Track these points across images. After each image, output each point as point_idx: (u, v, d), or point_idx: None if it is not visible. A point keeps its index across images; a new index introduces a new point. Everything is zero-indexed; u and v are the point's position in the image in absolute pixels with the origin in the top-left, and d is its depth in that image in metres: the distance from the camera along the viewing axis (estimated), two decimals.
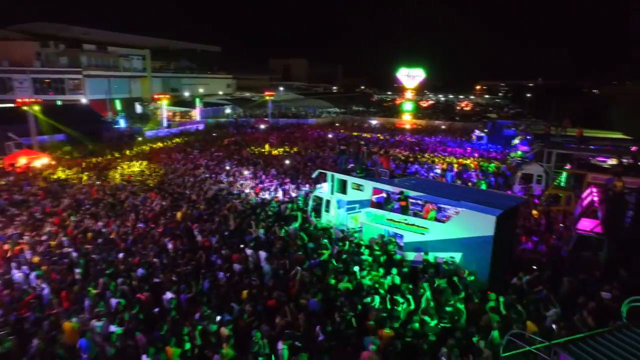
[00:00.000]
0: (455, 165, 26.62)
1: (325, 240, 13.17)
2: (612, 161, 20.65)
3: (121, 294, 10.17)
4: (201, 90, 76.92)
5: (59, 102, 47.94)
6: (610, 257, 12.19)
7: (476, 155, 31.83)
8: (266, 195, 19.55)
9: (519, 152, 26.47)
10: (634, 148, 23.80)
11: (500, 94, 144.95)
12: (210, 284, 10.82)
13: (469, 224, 11.38)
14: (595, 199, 12.86)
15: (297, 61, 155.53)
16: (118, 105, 53.60)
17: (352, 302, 9.63)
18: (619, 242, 12.13)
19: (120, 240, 13.77)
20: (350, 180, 14.52)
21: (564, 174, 20.74)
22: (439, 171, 24.90)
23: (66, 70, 52.54)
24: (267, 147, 32.24)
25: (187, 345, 8.28)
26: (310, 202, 16.44)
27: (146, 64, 66.28)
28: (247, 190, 20.15)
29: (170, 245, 13.50)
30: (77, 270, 11.27)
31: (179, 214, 16.44)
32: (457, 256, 11.80)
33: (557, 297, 10.37)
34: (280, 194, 19.72)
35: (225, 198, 18.61)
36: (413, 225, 12.72)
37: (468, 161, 27.90)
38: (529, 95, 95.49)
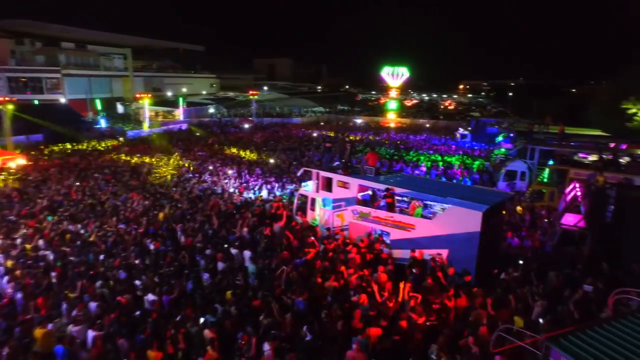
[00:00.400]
0: (440, 163, 26.75)
1: (312, 239, 12.99)
2: (593, 157, 21.00)
3: (101, 297, 9.81)
4: (184, 90, 75.89)
5: (36, 102, 46.63)
6: (592, 251, 12.32)
7: (460, 152, 32.05)
8: (250, 195, 19.28)
9: (503, 150, 26.74)
10: (612, 144, 24.28)
11: (482, 93, 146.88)
12: (193, 284, 10.54)
13: (456, 220, 11.35)
14: (579, 194, 12.99)
15: (281, 61, 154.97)
16: (99, 105, 52.31)
17: (339, 301, 9.48)
18: (600, 236, 12.27)
19: (101, 241, 13.34)
20: (336, 177, 14.38)
21: (547, 170, 21.01)
22: (424, 169, 24.96)
23: (43, 69, 51.15)
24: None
25: (170, 349, 8.01)
26: (296, 201, 16.25)
27: (127, 63, 65.15)
28: (231, 190, 19.84)
29: (152, 246, 13.16)
30: (54, 274, 10.84)
31: (161, 215, 16.07)
32: (444, 253, 11.75)
33: (542, 291, 10.40)
34: (264, 193, 19.47)
35: (208, 198, 18.29)
36: (399, 222, 12.63)
37: (452, 159, 28.05)
38: (510, 94, 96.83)
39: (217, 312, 9.27)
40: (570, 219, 12.77)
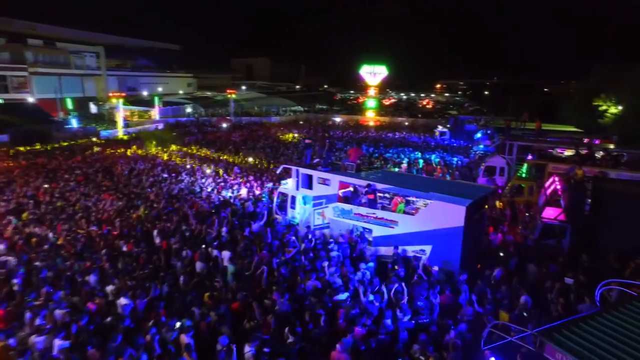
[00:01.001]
0: (421, 161, 26.80)
1: (292, 238, 12.64)
2: (568, 152, 21.35)
3: (69, 303, 9.22)
4: (160, 90, 74.29)
5: (0, 101, 44.63)
6: (573, 244, 12.41)
7: (440, 150, 32.23)
8: (229, 194, 18.77)
9: (481, 146, 27.00)
10: (586, 140, 24.81)
11: (459, 92, 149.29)
12: (169, 287, 10.04)
13: (439, 216, 11.19)
14: (558, 187, 13.05)
15: (259, 60, 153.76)
16: (69, 104, 50.48)
17: (322, 301, 9.17)
18: (580, 228, 12.36)
19: (70, 245, 12.66)
20: (316, 174, 14.06)
21: (525, 165, 21.24)
22: (405, 167, 24.93)
23: (8, 66, 48.90)
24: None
25: (144, 356, 7.53)
26: (276, 199, 15.85)
27: (100, 61, 63.22)
28: (209, 189, 19.27)
29: (125, 248, 12.57)
30: (16, 281, 10.14)
31: (135, 215, 15.44)
32: (427, 249, 11.59)
33: (524, 285, 10.36)
34: (243, 192, 18.99)
35: (185, 197, 17.71)
36: (382, 218, 12.40)
37: (432, 156, 28.14)
38: (486, 93, 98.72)
39: (194, 315, 8.83)
40: (550, 213, 12.81)
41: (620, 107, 33.31)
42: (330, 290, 9.80)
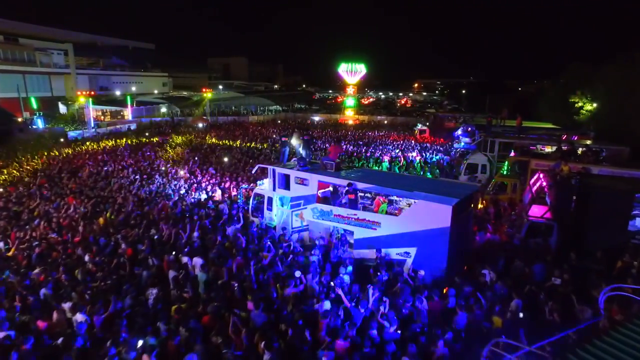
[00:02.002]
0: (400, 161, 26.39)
1: (268, 242, 11.83)
2: (548, 148, 21.22)
3: (16, 323, 8.20)
4: (134, 89, 72.02)
5: None
6: (560, 242, 12.04)
7: (419, 147, 31.91)
8: (203, 195, 17.79)
9: (462, 143, 26.75)
10: (564, 136, 24.82)
11: (437, 92, 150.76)
12: (132, 300, 9.09)
13: (424, 216, 10.60)
14: (544, 184, 12.66)
15: (236, 60, 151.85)
16: (34, 104, 48.10)
17: (300, 310, 8.42)
18: (567, 226, 12.00)
19: (22, 255, 11.51)
20: (294, 174, 13.30)
21: (507, 162, 20.98)
22: (386, 163, 24.42)
23: None
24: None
25: None
26: (251, 201, 15.02)
27: (69, 59, 60.68)
28: (182, 191, 18.23)
29: (87, 258, 11.51)
30: None
31: (101, 220, 14.34)
32: (412, 251, 10.99)
33: (514, 286, 9.86)
34: (218, 194, 18.06)
35: (155, 200, 16.65)
36: (363, 220, 11.74)
37: (413, 154, 27.73)
38: (463, 92, 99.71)
39: (159, 332, 7.95)
40: (536, 211, 12.42)
41: (595, 105, 33.75)
42: (310, 299, 9.10)
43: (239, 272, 10.55)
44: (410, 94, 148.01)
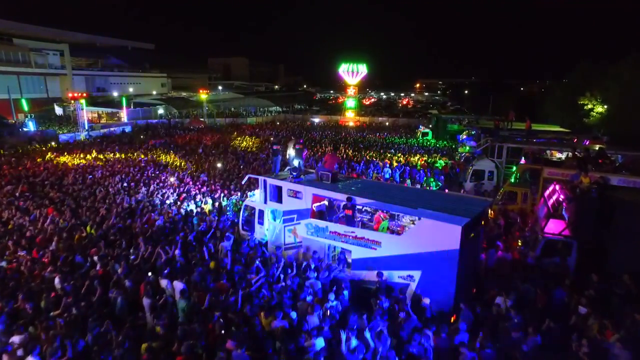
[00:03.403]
0: (402, 159, 25.25)
1: (257, 262, 10.67)
2: (558, 154, 20.01)
3: None
4: (131, 90, 71.06)
5: None
6: (579, 262, 10.87)
7: (422, 151, 30.72)
8: (192, 206, 16.63)
9: (467, 148, 25.55)
10: (574, 140, 23.58)
11: (438, 92, 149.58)
12: (94, 337, 7.95)
13: (430, 237, 9.43)
14: (562, 198, 11.47)
15: (237, 60, 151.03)
16: (25, 105, 47.02)
17: (287, 352, 7.27)
18: (587, 244, 10.82)
19: None
20: (286, 186, 12.15)
21: (515, 169, 19.78)
22: (388, 169, 23.25)
23: None
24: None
25: None
26: (242, 213, 13.88)
27: (65, 60, 59.71)
28: (168, 201, 17.07)
29: (57, 281, 10.37)
30: None
31: (77, 236, 13.20)
32: (416, 275, 9.83)
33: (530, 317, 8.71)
34: (208, 204, 16.90)
35: (142, 212, 15.49)
36: (362, 238, 10.59)
37: (415, 158, 26.53)
38: (466, 92, 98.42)
39: None
40: (553, 227, 11.23)
41: (605, 106, 32.45)
42: (301, 334, 7.95)
43: (223, 299, 9.41)
44: (412, 94, 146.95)
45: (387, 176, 22.15)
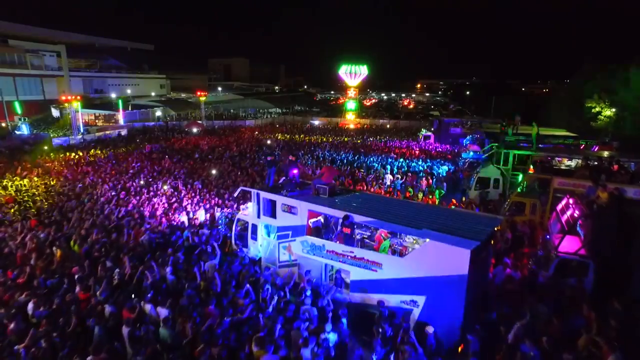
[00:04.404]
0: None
1: (247, 286, 9.86)
2: (565, 160, 19.16)
3: None
4: (129, 92, 70.32)
5: None
6: (597, 285, 10.04)
7: (424, 156, 29.88)
8: (183, 217, 15.82)
9: (471, 153, 24.71)
10: (582, 146, 22.73)
11: (440, 92, 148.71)
12: None
13: (435, 260, 8.61)
14: (577, 214, 10.64)
15: (238, 61, 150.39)
16: (18, 108, 46.23)
17: None
18: (606, 265, 9.98)
19: None
20: (280, 200, 11.34)
21: (521, 176, 18.97)
22: (389, 176, 22.44)
23: None
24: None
25: None
26: (234, 227, 13.08)
27: (62, 61, 58.91)
28: (158, 212, 16.24)
29: (30, 306, 9.54)
30: None
31: (58, 252, 12.39)
32: (420, 300, 9.02)
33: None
34: (201, 214, 16.10)
35: (127, 224, 14.63)
36: (362, 259, 9.77)
37: (417, 164, 25.67)
38: (467, 93, 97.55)
39: None
40: (567, 245, 10.40)
41: (614, 110, 31.53)
42: None
43: (209, 329, 8.61)
44: (413, 95, 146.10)
45: (387, 182, 21.39)
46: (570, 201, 11.33)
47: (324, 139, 37.42)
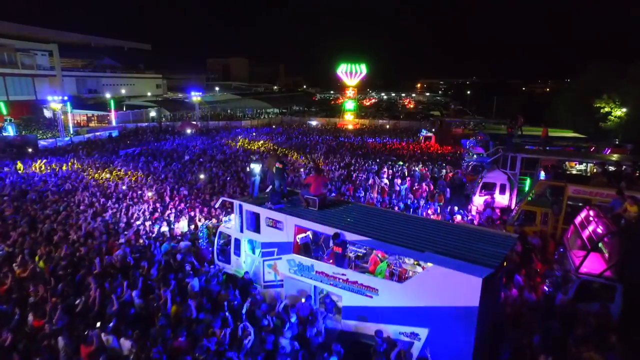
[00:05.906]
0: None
1: (225, 313, 8.58)
2: (577, 165, 17.91)
3: None
4: (124, 92, 69.09)
5: None
6: (626, 311, 8.79)
7: (425, 158, 28.59)
8: (164, 227, 14.53)
9: (474, 155, 23.45)
10: (592, 148, 21.46)
11: (440, 92, 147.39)
12: None
13: (440, 288, 7.34)
14: (600, 230, 9.37)
15: (237, 60, 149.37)
16: (4, 109, 44.94)
17: None
18: (637, 289, 8.73)
19: None
20: (264, 213, 10.06)
21: (529, 181, 17.69)
22: (385, 179, 21.19)
23: None
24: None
25: None
26: (217, 241, 11.80)
27: (54, 60, 57.68)
28: (137, 222, 14.92)
29: None
30: None
31: (18, 272, 11.12)
32: (422, 333, 7.75)
33: None
34: (183, 224, 14.81)
35: (102, 236, 13.34)
36: (355, 283, 8.50)
37: (418, 168, 24.36)
38: (468, 92, 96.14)
39: None
40: (590, 265, 9.14)
41: (624, 110, 30.16)
42: None
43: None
44: (413, 95, 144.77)
45: (384, 183, 20.22)
46: (591, 213, 10.05)
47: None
